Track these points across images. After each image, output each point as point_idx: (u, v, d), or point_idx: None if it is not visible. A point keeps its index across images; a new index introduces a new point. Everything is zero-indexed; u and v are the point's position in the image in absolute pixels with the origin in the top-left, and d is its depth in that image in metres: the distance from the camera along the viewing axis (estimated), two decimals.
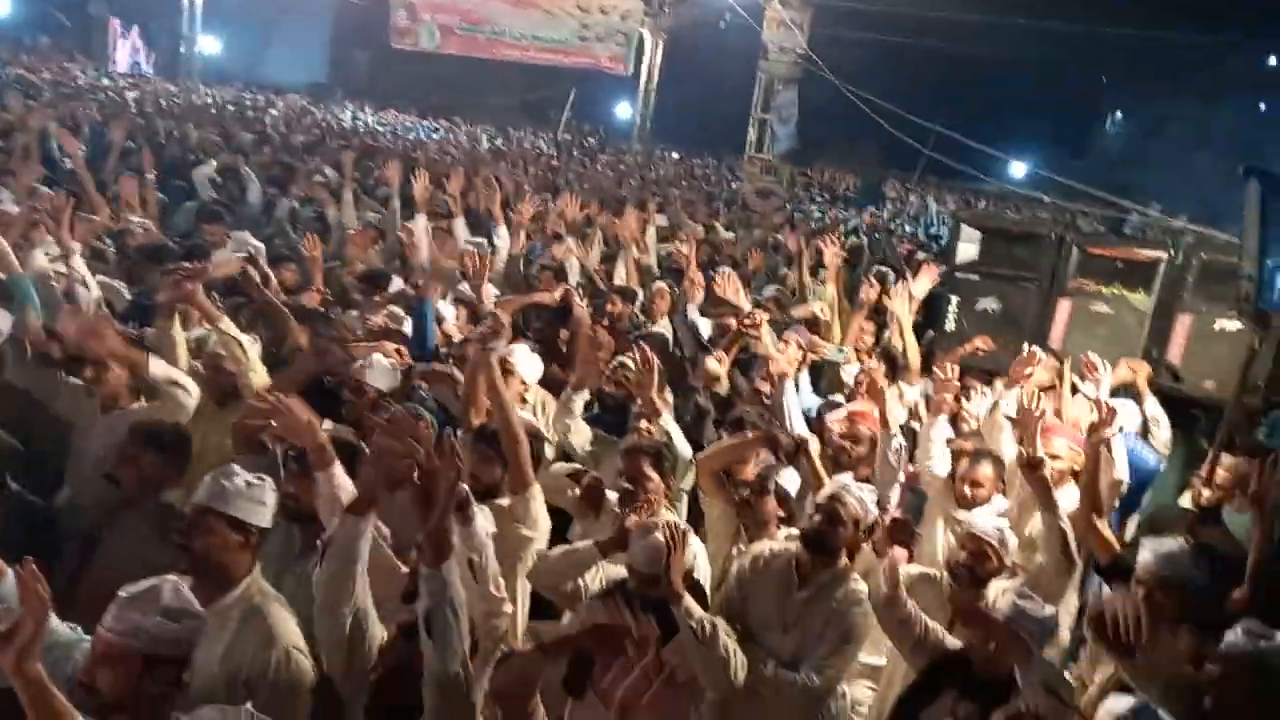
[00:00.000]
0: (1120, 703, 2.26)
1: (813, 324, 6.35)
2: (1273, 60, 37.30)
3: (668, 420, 4.04)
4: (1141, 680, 2.73)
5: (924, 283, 6.05)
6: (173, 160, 9.70)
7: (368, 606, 2.59)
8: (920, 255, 10.06)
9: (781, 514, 3.68)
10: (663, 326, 6.32)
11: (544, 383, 4.78)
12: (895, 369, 5.47)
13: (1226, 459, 4.16)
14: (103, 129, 10.48)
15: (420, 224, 7.20)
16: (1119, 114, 44.18)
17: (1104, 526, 3.65)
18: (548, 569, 3.28)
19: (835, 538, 3.26)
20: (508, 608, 2.93)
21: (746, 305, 5.67)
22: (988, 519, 3.52)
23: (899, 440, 4.24)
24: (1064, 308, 5.82)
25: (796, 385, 5.34)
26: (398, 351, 4.46)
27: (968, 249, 6.19)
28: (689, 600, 2.88)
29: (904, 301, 5.70)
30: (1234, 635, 2.62)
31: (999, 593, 3.24)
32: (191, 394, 3.83)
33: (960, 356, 5.55)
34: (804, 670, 3.11)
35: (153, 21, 27.88)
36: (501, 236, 7.44)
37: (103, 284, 4.86)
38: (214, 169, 8.64)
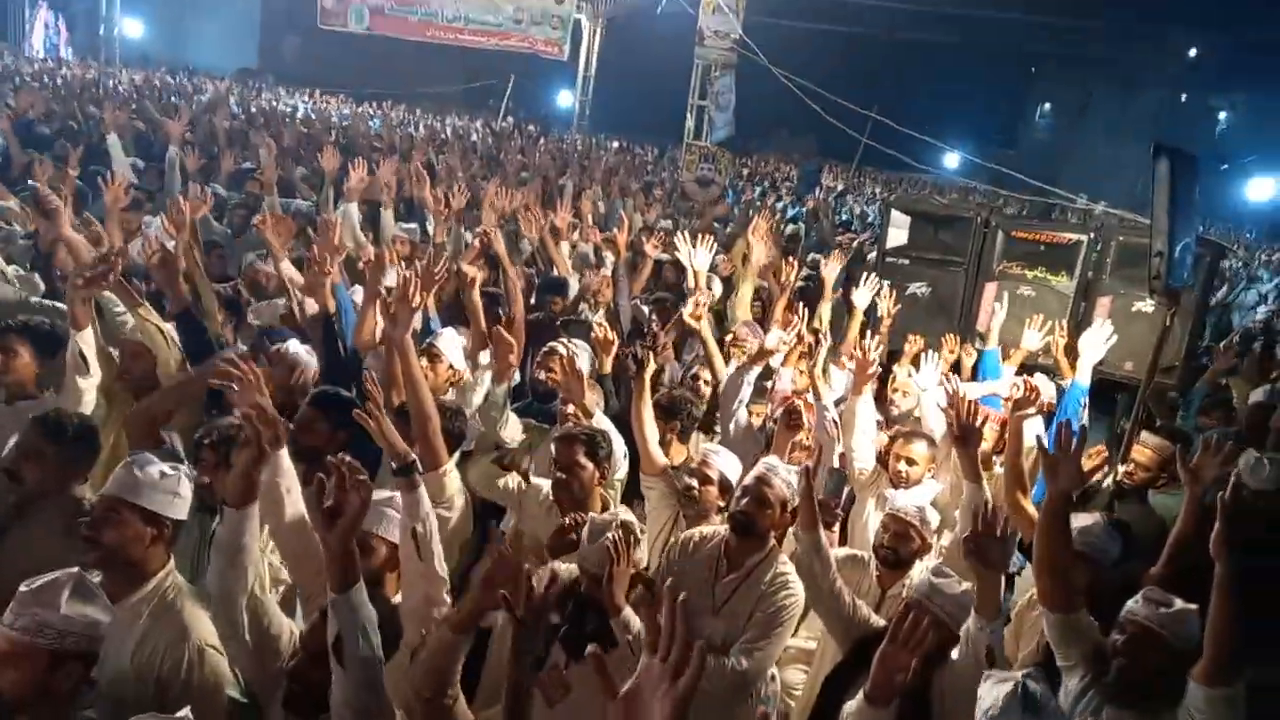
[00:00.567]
0: (1001, 686, 2.29)
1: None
2: (1192, 52, 38.58)
3: (600, 419, 3.97)
4: (1062, 648, 2.80)
5: (834, 267, 6.16)
6: (90, 147, 9.34)
7: (264, 599, 2.51)
8: (849, 238, 10.23)
9: (721, 503, 3.64)
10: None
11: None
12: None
13: (1150, 439, 4.27)
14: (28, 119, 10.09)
15: (352, 211, 7.06)
16: (1047, 105, 45.32)
17: (1028, 503, 3.71)
18: None
19: (762, 520, 3.25)
20: (447, 592, 2.79)
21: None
22: (910, 498, 3.55)
23: (831, 412, 4.28)
24: (990, 291, 5.92)
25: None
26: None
27: (897, 234, 6.24)
28: (627, 613, 2.83)
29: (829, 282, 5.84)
30: (1135, 603, 2.70)
31: (918, 571, 3.28)
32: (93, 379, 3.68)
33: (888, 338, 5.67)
34: (733, 654, 3.09)
35: (72, 3, 26.83)
36: (433, 224, 7.33)
37: (20, 278, 4.67)
38: (120, 148, 8.33)
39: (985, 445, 4.24)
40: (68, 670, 2.14)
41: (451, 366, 4.41)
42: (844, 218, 16.04)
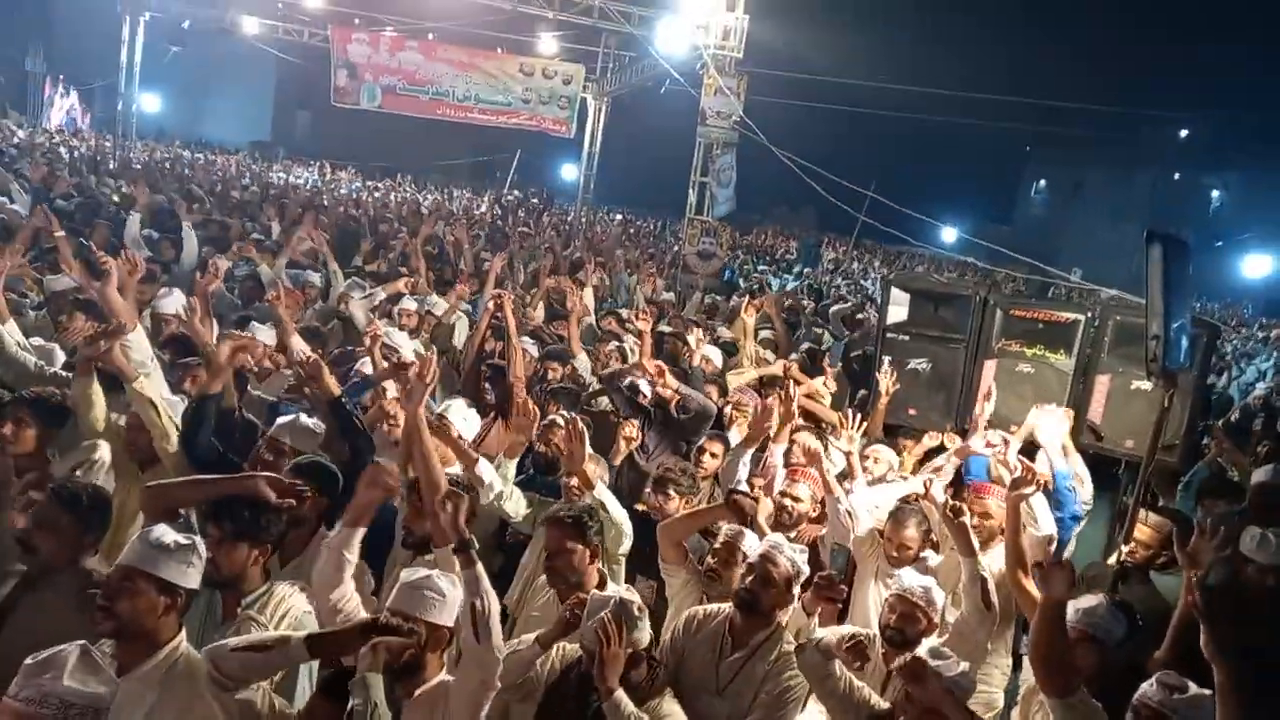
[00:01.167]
0: None
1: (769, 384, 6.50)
2: (1184, 132, 39.48)
3: (601, 491, 3.95)
4: None
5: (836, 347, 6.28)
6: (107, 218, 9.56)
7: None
8: (859, 315, 10.37)
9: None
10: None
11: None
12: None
13: (1151, 517, 4.26)
14: (43, 188, 10.36)
15: (377, 296, 7.28)
16: (1042, 182, 46.17)
17: (1029, 582, 3.72)
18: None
19: (768, 598, 3.25)
20: (499, 675, 2.69)
21: None
22: (915, 577, 3.55)
23: (845, 503, 4.31)
24: (989, 368, 5.98)
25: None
26: None
27: (897, 311, 6.32)
28: (619, 695, 2.83)
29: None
30: (1149, 687, 2.70)
31: (922, 650, 3.28)
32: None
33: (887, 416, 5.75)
34: None
35: (91, 77, 27.63)
36: (435, 303, 7.56)
37: (37, 347, 4.75)
38: (138, 223, 8.52)
39: (992, 523, 4.26)
40: None
41: (460, 438, 4.45)
42: (843, 291, 16.25)
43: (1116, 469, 5.70)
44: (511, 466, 4.06)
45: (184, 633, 2.68)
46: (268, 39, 21.53)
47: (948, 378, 6.12)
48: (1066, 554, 4.74)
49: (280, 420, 4.04)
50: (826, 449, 4.68)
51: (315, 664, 2.95)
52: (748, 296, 9.12)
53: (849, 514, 4.29)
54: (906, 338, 6.23)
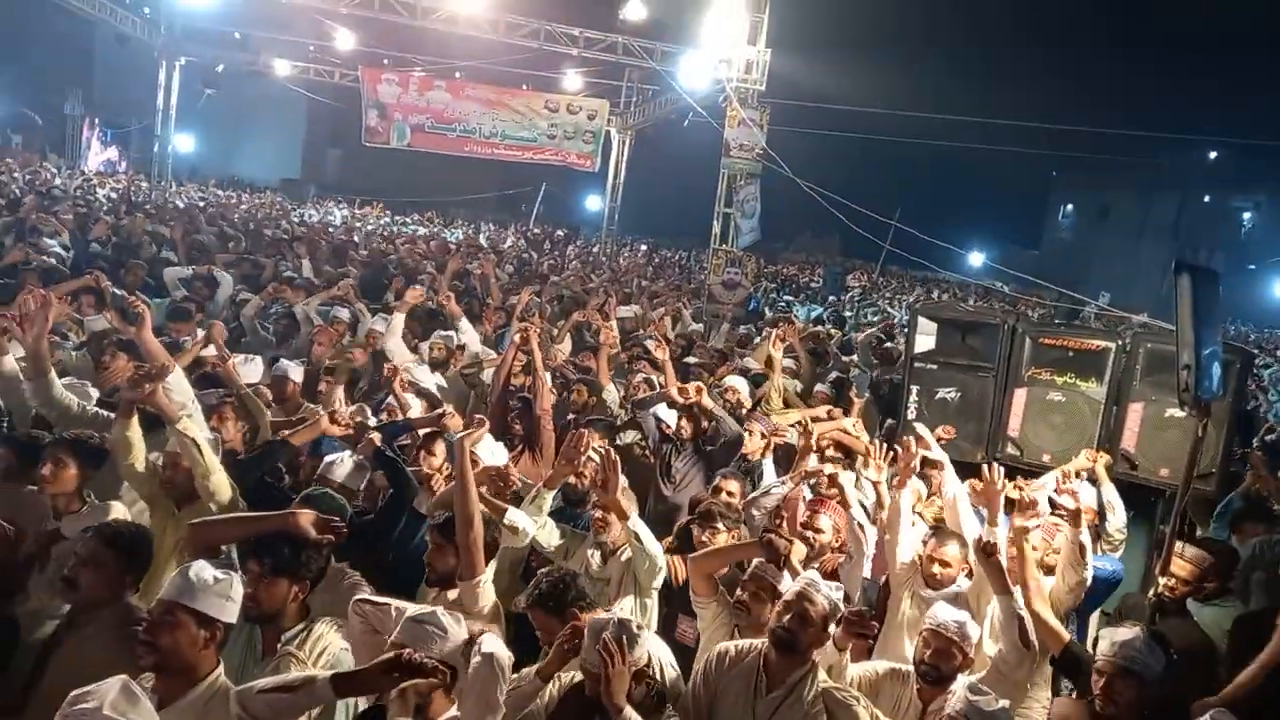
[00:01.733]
0: None
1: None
2: (1213, 155, 39.16)
3: (636, 522, 3.97)
4: None
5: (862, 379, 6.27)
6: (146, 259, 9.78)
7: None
8: (887, 345, 10.33)
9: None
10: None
11: None
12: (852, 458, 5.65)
13: (1188, 550, 4.21)
14: (79, 232, 10.63)
15: (397, 320, 7.32)
16: (1069, 207, 45.90)
17: (1049, 615, 3.69)
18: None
19: (806, 637, 3.21)
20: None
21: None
22: (949, 611, 3.52)
23: (861, 516, 4.31)
24: (1020, 397, 5.95)
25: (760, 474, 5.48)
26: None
27: (925, 340, 6.31)
28: (629, 713, 2.83)
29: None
30: None
31: (959, 685, 3.25)
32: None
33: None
34: None
35: (128, 120, 28.35)
36: (465, 331, 7.59)
37: (69, 385, 4.85)
38: (188, 272, 8.75)
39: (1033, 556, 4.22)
40: None
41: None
42: (871, 319, 16.21)
43: (1154, 497, 5.63)
44: (549, 497, 4.09)
45: (222, 666, 2.73)
46: (298, 80, 22.05)
47: (977, 406, 6.10)
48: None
49: (329, 459, 4.12)
50: (858, 481, 4.68)
51: (353, 701, 2.97)
52: (774, 328, 9.11)
53: (863, 528, 4.29)
54: (935, 367, 6.22)
